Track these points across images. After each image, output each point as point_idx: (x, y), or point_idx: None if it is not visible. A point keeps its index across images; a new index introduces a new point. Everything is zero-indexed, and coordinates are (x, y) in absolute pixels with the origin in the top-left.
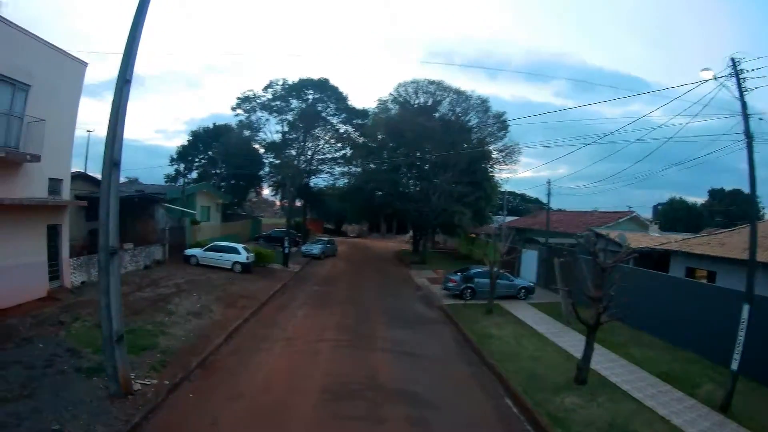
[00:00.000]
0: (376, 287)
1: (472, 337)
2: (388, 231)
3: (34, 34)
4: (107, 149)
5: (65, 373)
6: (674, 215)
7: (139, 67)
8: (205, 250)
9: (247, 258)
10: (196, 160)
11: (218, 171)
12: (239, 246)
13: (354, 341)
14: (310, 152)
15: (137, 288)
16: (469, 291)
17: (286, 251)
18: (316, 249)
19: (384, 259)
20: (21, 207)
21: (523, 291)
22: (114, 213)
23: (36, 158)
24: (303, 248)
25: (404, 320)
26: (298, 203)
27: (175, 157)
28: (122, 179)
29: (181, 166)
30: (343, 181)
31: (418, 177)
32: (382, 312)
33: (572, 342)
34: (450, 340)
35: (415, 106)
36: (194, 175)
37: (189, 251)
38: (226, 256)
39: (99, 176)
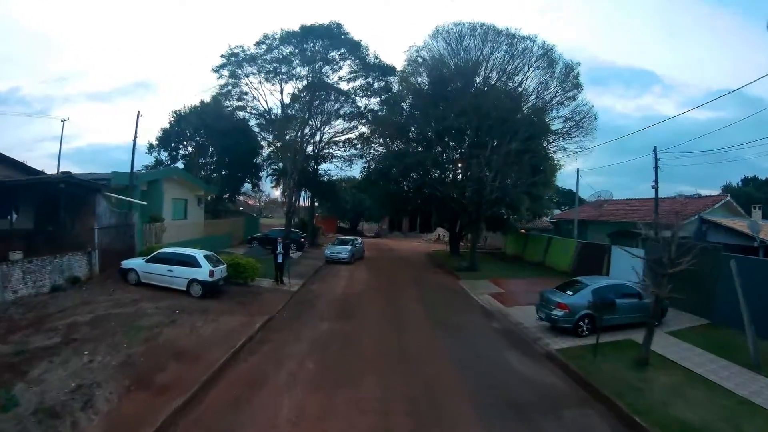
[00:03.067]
0: (424, 316)
1: None
2: (410, 229)
3: None
4: None
5: None
6: None
7: (147, 71)
8: (148, 261)
9: (213, 274)
10: (182, 146)
11: (207, 160)
12: (199, 255)
13: None
14: (318, 132)
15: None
16: (587, 321)
17: (279, 259)
18: (344, 252)
19: (417, 263)
20: None
21: None
22: None
23: None
24: (327, 252)
25: (508, 404)
26: (305, 201)
27: (155, 143)
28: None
29: (164, 155)
30: (360, 166)
31: (468, 155)
32: (458, 381)
33: None
34: None
35: (453, 65)
36: (180, 165)
37: (127, 263)
38: (179, 271)
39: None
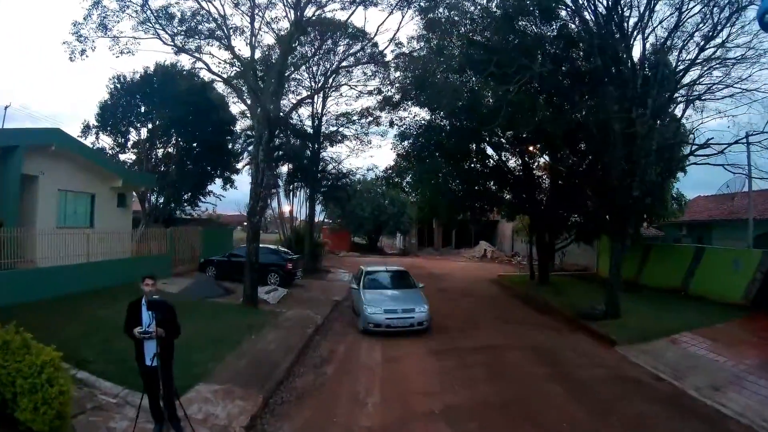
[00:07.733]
0: None
1: None
2: (444, 244)
3: None
4: None
5: None
6: None
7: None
8: None
9: None
10: (133, 129)
11: (167, 150)
12: None
13: None
14: (316, 96)
15: None
16: None
17: (150, 362)
18: (420, 309)
19: (501, 306)
20: None
21: None
22: None
23: None
24: (368, 311)
25: None
26: (302, 210)
27: (94, 123)
28: None
29: (107, 142)
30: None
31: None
32: None
33: None
34: None
35: None
36: (129, 158)
37: None
38: None
39: None
